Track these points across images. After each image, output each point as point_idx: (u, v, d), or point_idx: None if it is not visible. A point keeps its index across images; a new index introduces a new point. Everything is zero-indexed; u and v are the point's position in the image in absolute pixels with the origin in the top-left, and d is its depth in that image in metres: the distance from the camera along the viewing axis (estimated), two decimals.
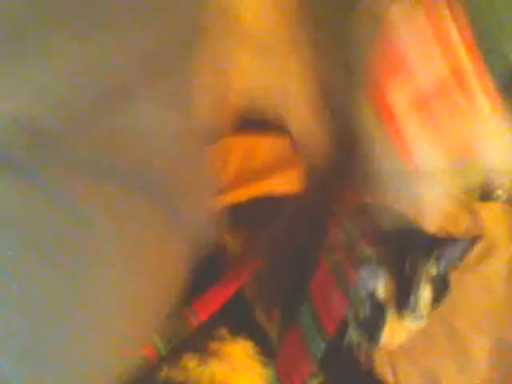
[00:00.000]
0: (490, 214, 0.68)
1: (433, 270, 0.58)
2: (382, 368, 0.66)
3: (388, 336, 0.58)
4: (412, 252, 0.57)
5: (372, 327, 0.58)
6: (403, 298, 0.57)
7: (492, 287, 0.67)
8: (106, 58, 0.32)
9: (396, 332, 0.58)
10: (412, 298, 0.57)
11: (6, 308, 0.32)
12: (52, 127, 0.31)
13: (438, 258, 0.58)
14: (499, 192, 0.58)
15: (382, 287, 0.57)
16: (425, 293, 0.58)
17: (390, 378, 0.66)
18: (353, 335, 0.60)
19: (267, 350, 0.64)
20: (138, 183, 0.35)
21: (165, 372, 0.61)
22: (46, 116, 0.31)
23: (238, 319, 0.64)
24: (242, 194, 0.61)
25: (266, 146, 0.63)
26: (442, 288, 0.59)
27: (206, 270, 0.51)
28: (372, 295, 0.57)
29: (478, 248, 0.61)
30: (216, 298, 0.61)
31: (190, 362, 0.62)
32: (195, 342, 0.63)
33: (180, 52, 0.37)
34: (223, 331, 0.63)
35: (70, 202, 0.32)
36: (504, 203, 0.68)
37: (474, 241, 0.59)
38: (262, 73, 0.48)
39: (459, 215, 0.69)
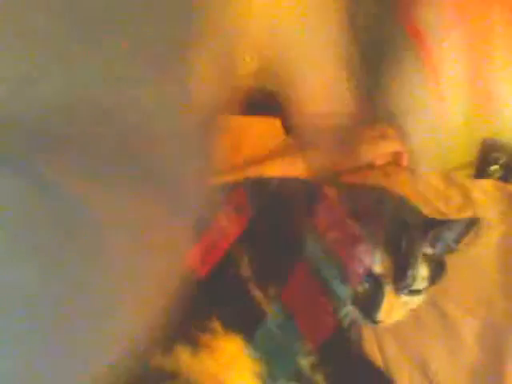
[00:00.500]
0: (482, 193, 0.70)
1: (429, 250, 0.60)
2: (371, 352, 0.65)
3: (386, 312, 0.59)
4: (408, 231, 0.59)
5: (370, 302, 0.59)
6: (400, 274, 0.59)
7: (482, 269, 0.68)
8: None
9: (394, 308, 0.60)
10: (409, 273, 0.58)
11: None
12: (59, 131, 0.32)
13: (434, 240, 0.60)
14: (495, 167, 0.59)
15: (378, 263, 0.59)
16: (421, 269, 0.59)
17: (379, 361, 0.65)
18: (350, 312, 0.60)
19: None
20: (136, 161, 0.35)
21: (157, 360, 0.60)
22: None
23: (230, 311, 0.64)
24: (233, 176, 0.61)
25: (256, 128, 0.63)
26: (438, 268, 0.61)
27: None
28: (369, 271, 0.58)
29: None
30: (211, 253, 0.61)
31: (183, 353, 0.61)
32: (188, 333, 0.62)
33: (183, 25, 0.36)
34: (215, 324, 0.62)
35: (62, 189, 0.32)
36: (497, 182, 0.70)
37: (470, 223, 0.61)
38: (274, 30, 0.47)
39: (450, 193, 0.71)
